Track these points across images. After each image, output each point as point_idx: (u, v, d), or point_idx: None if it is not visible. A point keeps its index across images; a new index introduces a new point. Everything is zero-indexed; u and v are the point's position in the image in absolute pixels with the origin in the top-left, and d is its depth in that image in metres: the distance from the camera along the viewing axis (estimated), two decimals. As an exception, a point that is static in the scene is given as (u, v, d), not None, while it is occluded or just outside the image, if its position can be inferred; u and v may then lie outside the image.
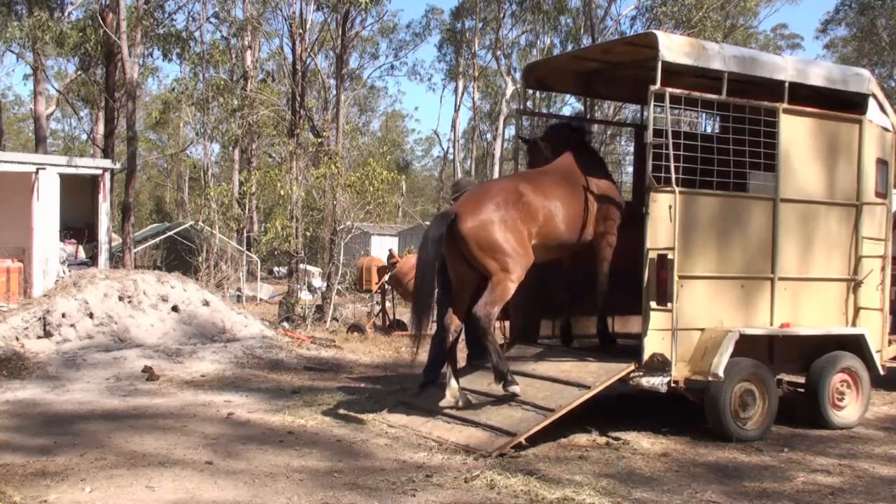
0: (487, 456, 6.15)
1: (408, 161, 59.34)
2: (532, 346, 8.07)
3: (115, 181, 24.28)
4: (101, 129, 28.91)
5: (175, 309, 11.38)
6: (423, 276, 6.96)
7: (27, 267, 16.32)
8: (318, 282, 23.24)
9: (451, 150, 48.88)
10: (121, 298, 11.06)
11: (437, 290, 7.47)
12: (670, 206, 6.81)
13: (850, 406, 7.68)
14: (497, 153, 37.43)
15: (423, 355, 8.08)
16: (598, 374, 6.83)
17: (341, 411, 7.79)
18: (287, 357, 10.91)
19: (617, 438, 6.89)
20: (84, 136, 45.92)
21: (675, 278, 6.66)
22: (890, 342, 8.52)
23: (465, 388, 7.16)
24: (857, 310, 7.85)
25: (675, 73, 7.35)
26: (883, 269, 8.03)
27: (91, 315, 10.70)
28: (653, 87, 6.85)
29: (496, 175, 34.50)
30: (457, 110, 44.39)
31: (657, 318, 6.77)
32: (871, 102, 7.99)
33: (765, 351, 7.44)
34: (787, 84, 7.48)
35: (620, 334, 8.36)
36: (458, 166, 45.73)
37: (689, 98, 7.14)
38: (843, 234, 7.82)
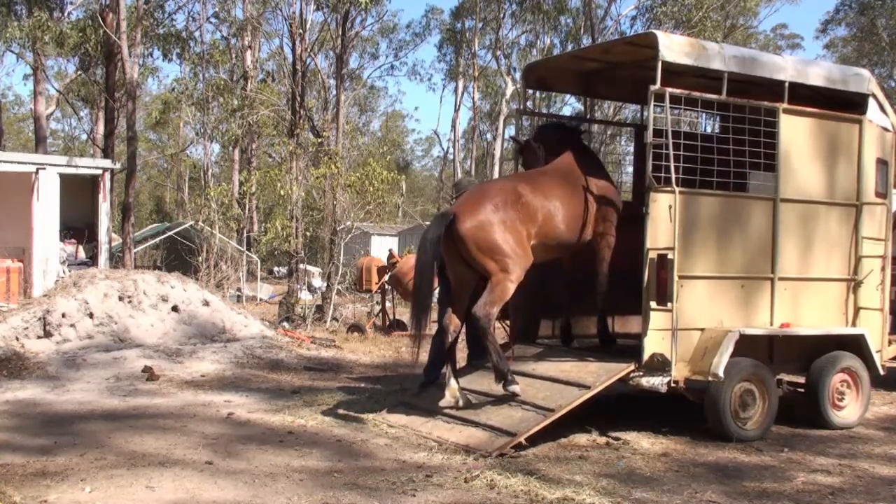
0: (487, 456, 6.15)
1: (408, 161, 59.35)
2: (532, 346, 8.08)
3: (115, 181, 24.28)
4: (101, 129, 28.91)
5: (175, 309, 11.38)
6: (422, 276, 6.97)
7: (27, 267, 16.31)
8: (318, 282, 23.24)
9: (451, 150, 48.87)
10: (121, 298, 11.07)
11: (436, 291, 7.47)
12: (670, 206, 6.81)
13: (850, 406, 7.68)
14: (497, 153, 37.39)
15: (424, 355, 8.08)
16: (598, 374, 6.83)
17: (341, 411, 7.79)
18: (287, 357, 10.91)
19: (617, 438, 6.89)
20: (84, 136, 45.97)
21: (675, 278, 6.66)
22: (890, 342, 8.53)
23: (465, 388, 7.16)
24: (857, 310, 7.85)
25: (675, 73, 7.35)
26: (883, 269, 8.03)
27: (91, 315, 10.70)
28: (653, 87, 6.85)
29: (496, 175, 34.49)
30: (457, 110, 44.41)
31: (657, 318, 6.78)
32: (871, 102, 7.99)
33: (765, 351, 7.44)
34: (787, 84, 7.48)
35: (620, 334, 8.37)
36: (458, 166, 45.68)
37: (689, 98, 7.14)
38: (843, 234, 7.82)
